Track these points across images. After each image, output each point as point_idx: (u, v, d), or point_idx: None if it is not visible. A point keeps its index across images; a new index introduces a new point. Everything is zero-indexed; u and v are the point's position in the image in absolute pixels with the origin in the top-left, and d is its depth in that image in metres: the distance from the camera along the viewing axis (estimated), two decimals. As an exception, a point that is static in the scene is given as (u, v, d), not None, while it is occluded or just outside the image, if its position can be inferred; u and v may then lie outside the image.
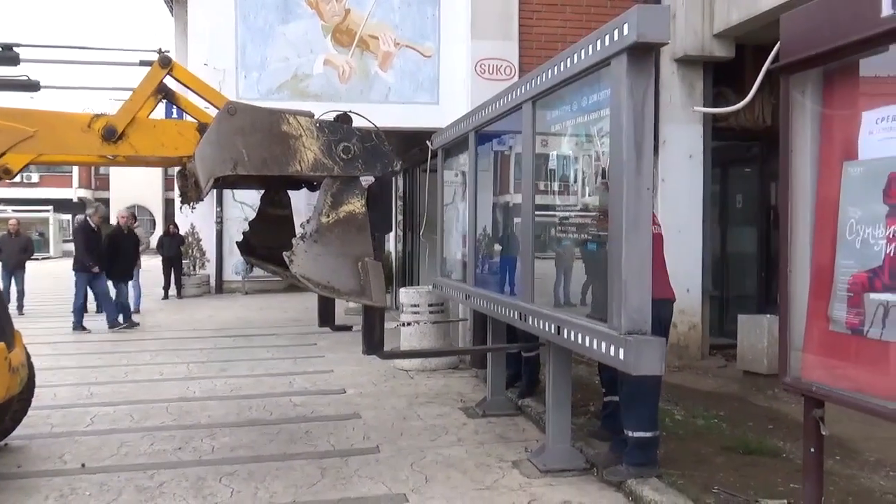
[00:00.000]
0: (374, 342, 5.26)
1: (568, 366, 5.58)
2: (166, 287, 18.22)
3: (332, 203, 4.57)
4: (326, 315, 6.18)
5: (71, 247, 16.02)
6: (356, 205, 4.61)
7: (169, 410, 7.21)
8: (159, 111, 5.62)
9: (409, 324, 9.24)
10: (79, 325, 12.88)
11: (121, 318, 13.17)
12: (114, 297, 13.23)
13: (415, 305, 9.27)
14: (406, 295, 9.47)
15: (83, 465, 5.57)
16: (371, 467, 5.50)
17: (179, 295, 18.31)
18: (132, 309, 13.88)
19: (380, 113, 8.08)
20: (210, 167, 4.49)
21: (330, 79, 9.99)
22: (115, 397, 7.79)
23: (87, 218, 13.09)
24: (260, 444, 6.13)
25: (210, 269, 19.79)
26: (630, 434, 5.06)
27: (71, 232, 18.33)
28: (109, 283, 13.16)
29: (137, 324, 13.33)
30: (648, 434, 5.03)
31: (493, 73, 9.72)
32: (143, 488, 5.09)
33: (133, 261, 14.16)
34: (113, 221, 15.57)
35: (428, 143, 8.44)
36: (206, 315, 14.93)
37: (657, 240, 4.97)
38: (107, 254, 13.07)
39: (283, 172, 4.56)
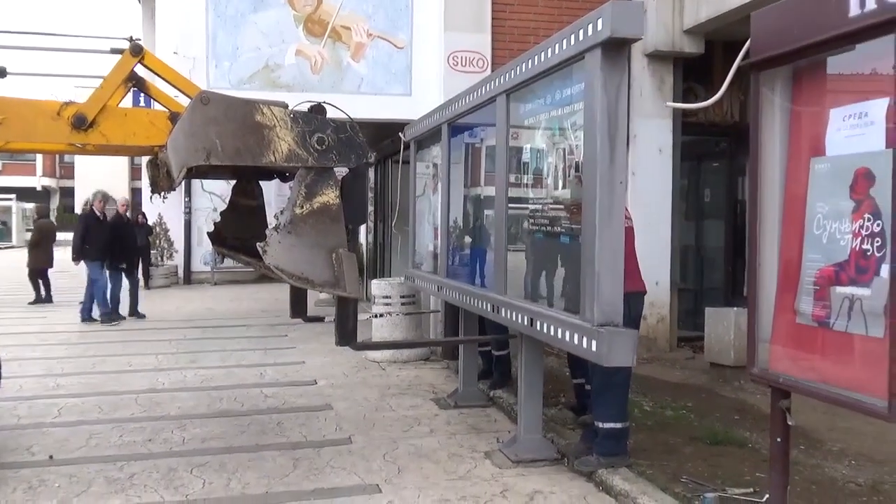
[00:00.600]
0: (346, 333, 5.27)
1: (540, 357, 5.63)
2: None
3: (306, 194, 4.56)
4: (298, 306, 6.16)
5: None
6: (330, 196, 4.61)
7: (138, 402, 7.14)
8: (127, 101, 5.56)
9: (381, 315, 9.25)
10: (116, 314, 12.75)
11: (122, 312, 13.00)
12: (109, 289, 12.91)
13: (387, 297, 9.26)
14: (378, 286, 9.47)
15: (51, 457, 5.51)
16: (344, 458, 5.51)
17: (147, 286, 18.07)
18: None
19: (352, 104, 8.04)
20: (183, 157, 4.43)
21: (302, 69, 9.94)
22: (83, 389, 7.70)
23: (91, 206, 12.72)
24: (231, 435, 6.11)
25: (178, 259, 19.59)
26: (600, 425, 5.12)
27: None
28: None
29: (124, 318, 12.97)
30: (619, 425, 5.09)
31: (465, 65, 9.77)
32: (114, 480, 5.06)
33: (135, 251, 13.81)
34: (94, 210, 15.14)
35: (400, 134, 8.43)
36: (175, 306, 14.80)
37: (629, 233, 5.04)
38: (108, 243, 12.70)
39: (256, 163, 4.54)
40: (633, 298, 5.15)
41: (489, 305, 5.54)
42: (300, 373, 8.55)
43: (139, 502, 4.70)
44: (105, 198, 13.13)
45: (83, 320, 12.55)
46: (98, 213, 12.71)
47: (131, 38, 5.32)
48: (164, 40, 9.95)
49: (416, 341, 9.20)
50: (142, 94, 6.29)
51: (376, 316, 9.29)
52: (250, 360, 9.26)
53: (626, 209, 5.18)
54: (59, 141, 4.95)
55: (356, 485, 4.99)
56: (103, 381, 8.10)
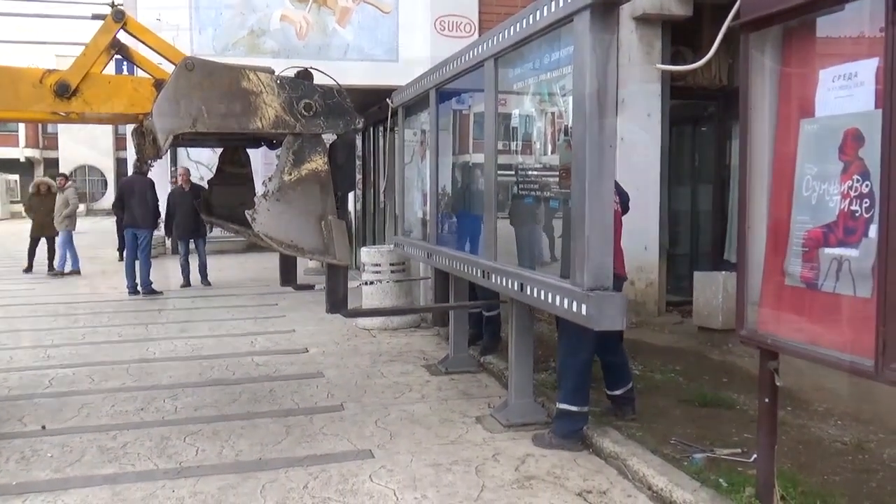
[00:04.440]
0: (337, 301, 5.28)
1: (530, 322, 5.65)
2: (121, 248, 17.88)
3: (294, 161, 4.53)
4: (288, 274, 6.16)
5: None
6: (318, 162, 4.58)
7: (129, 372, 7.15)
8: (109, 69, 5.49)
9: (371, 283, 9.25)
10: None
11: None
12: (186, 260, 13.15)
13: (376, 265, 9.26)
14: (367, 254, 9.47)
15: (43, 427, 5.52)
16: (336, 424, 5.54)
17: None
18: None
19: (338, 70, 7.95)
20: (169, 124, 4.38)
21: (287, 35, 9.80)
22: (74, 359, 7.69)
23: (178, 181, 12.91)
24: (223, 403, 6.13)
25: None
26: (557, 404, 5.14)
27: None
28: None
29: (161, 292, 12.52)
30: (573, 408, 5.04)
31: (452, 29, 9.66)
32: (107, 449, 5.07)
33: (199, 219, 13.78)
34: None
35: (388, 101, 8.37)
36: (162, 275, 14.75)
37: (615, 216, 4.98)
38: (168, 214, 12.81)
39: (243, 129, 4.50)
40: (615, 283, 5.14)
41: (479, 271, 5.55)
42: (291, 341, 8.57)
43: (133, 470, 4.72)
44: (187, 171, 13.31)
45: (146, 293, 12.24)
46: (185, 188, 12.75)
47: (113, 3, 5.22)
48: (147, 6, 9.78)
49: (406, 308, 9.22)
50: (124, 62, 6.21)
51: (366, 283, 9.29)
52: (241, 329, 9.27)
53: (617, 193, 5.11)
54: (42, 109, 4.86)
55: (349, 450, 5.03)
56: (93, 351, 8.10)
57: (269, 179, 4.55)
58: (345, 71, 8.87)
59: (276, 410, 5.92)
